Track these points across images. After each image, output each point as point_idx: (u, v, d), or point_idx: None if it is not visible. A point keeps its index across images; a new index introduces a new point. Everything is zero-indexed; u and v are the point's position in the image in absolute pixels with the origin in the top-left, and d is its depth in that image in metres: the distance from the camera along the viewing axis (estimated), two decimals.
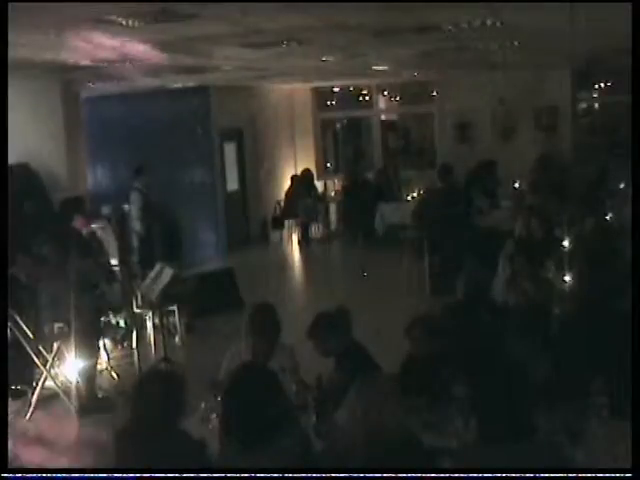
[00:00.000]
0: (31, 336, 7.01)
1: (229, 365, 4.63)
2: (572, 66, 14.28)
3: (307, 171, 15.61)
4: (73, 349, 6.81)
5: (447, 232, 9.88)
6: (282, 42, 7.78)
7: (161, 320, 8.11)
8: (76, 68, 8.69)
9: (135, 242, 10.87)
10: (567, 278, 6.62)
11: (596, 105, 16.32)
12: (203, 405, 4.37)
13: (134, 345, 7.97)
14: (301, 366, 4.90)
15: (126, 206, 11.35)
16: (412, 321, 4.79)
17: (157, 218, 10.45)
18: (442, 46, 9.13)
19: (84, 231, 8.25)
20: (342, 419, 3.32)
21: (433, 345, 4.60)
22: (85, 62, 8.29)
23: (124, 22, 5.91)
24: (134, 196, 10.84)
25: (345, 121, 18.04)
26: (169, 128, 13.22)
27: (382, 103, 17.05)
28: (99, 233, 9.38)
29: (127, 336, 8.30)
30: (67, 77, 9.81)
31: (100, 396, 7.04)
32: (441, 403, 4.17)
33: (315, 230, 15.32)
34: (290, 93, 16.46)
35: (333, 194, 15.88)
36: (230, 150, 14.46)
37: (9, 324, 6.73)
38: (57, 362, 7.12)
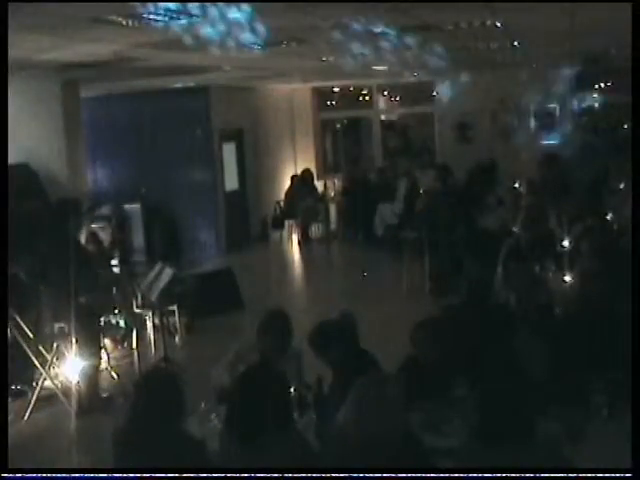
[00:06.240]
0: (31, 336, 7.01)
1: (233, 367, 4.60)
2: (572, 66, 14.28)
3: (307, 171, 15.61)
4: (74, 349, 6.80)
5: (447, 232, 9.87)
6: (282, 42, 7.78)
7: (161, 320, 8.11)
8: (76, 68, 8.68)
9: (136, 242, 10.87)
10: (567, 278, 6.64)
11: (596, 105, 16.31)
12: (203, 405, 4.37)
13: (134, 345, 7.97)
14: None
15: (126, 206, 11.33)
16: (417, 324, 4.71)
17: (157, 219, 10.44)
18: (442, 46, 9.13)
19: (84, 231, 8.24)
20: (342, 420, 3.31)
21: (436, 347, 4.57)
22: (85, 62, 8.29)
23: (124, 22, 5.91)
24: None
25: (345, 121, 18.03)
26: (169, 128, 13.21)
27: (382, 103, 17.04)
28: (99, 233, 9.37)
29: (127, 336, 8.30)
30: (67, 77, 9.81)
31: (100, 396, 7.03)
32: (442, 403, 4.17)
33: (315, 230, 15.31)
34: (290, 93, 16.45)
35: (333, 194, 15.87)
36: (230, 150, 14.45)
37: (9, 324, 6.73)
38: (57, 362, 7.12)
